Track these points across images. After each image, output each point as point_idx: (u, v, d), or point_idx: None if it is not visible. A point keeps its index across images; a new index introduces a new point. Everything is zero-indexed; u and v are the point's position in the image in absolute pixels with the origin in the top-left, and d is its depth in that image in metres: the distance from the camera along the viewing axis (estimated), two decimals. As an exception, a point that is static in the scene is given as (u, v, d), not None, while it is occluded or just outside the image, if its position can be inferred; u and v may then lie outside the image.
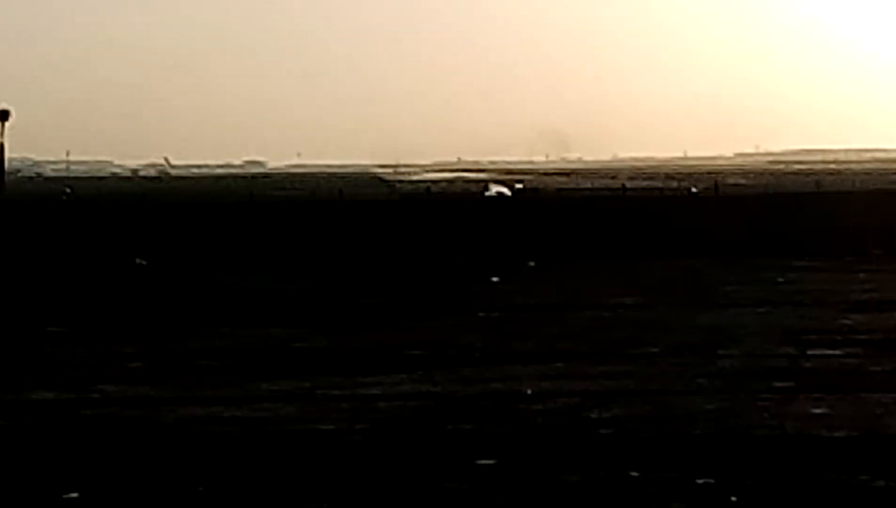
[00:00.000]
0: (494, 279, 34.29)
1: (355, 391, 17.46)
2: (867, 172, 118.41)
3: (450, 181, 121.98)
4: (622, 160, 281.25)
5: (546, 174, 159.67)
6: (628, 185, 76.66)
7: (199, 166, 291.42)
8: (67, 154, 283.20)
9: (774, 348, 20.86)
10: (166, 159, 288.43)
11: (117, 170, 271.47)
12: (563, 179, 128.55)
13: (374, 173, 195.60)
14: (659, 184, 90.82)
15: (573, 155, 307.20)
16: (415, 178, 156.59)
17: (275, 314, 27.41)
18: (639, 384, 17.57)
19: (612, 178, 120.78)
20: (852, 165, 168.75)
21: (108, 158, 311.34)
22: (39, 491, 12.15)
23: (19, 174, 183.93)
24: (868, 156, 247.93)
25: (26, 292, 33.57)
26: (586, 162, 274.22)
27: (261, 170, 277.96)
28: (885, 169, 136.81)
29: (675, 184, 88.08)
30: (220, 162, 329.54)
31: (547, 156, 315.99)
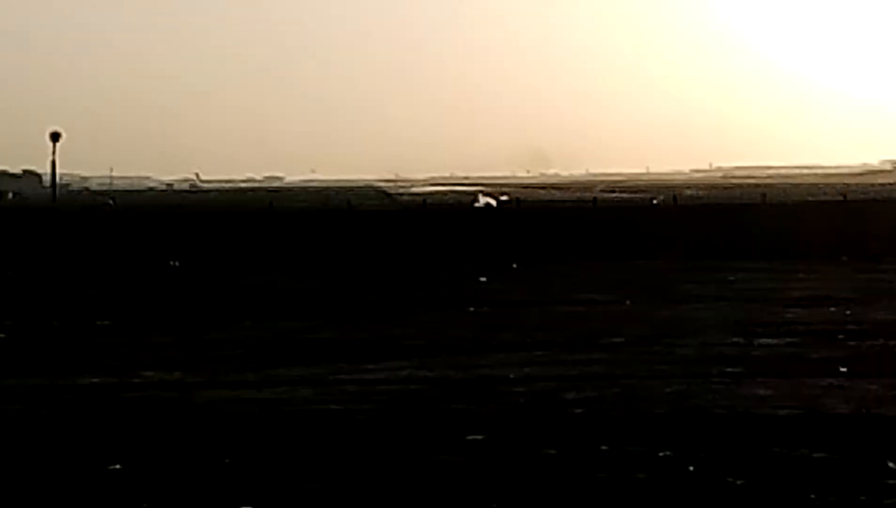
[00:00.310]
0: (482, 279, 34.28)
1: (361, 376, 17.45)
2: (806, 186, 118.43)
3: (443, 193, 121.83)
4: (594, 175, 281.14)
5: (528, 187, 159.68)
6: (599, 197, 76.58)
7: (225, 181, 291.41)
8: (111, 170, 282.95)
9: (726, 338, 20.85)
10: (197, 175, 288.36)
11: (154, 184, 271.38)
12: (542, 191, 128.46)
13: (378, 187, 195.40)
14: (625, 196, 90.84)
15: (551, 171, 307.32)
16: (413, 190, 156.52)
17: (291, 309, 27.40)
18: (607, 369, 17.56)
19: (586, 191, 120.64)
20: (793, 180, 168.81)
21: (147, 174, 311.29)
22: (86, 463, 12.14)
23: (69, 188, 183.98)
24: (806, 171, 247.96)
25: (77, 290, 33.54)
26: (562, 177, 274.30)
27: (279, 184, 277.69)
28: (821, 183, 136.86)
29: (639, 196, 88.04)
30: (244, 177, 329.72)
31: (528, 171, 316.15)
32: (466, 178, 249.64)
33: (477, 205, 70.42)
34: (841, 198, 55.16)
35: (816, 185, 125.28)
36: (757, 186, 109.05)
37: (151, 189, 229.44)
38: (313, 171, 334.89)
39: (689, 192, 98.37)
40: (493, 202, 73.72)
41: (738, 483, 10.93)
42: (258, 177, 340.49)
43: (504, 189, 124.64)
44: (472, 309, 26.52)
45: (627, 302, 27.39)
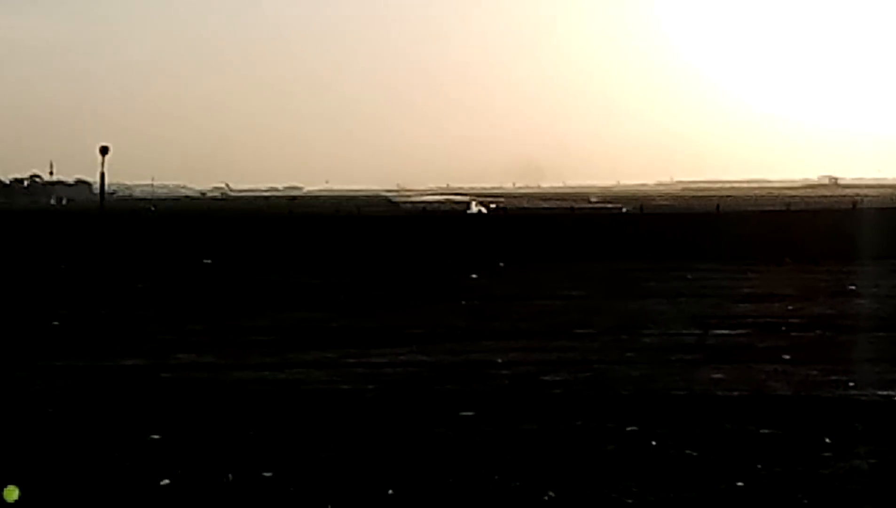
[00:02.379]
0: (474, 276, 34.29)
1: (368, 359, 17.44)
2: (754, 197, 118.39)
3: (441, 202, 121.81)
4: (571, 187, 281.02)
5: (514, 197, 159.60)
6: (575, 205, 76.57)
7: (251, 190, 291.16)
8: (152, 179, 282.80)
9: (685, 329, 20.85)
10: (227, 184, 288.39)
11: (190, 192, 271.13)
12: (525, 200, 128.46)
13: (384, 195, 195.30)
14: (598, 204, 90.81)
15: (534, 182, 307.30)
16: (414, 199, 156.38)
17: (307, 302, 27.40)
18: (582, 355, 17.55)
19: (564, 200, 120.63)
20: (744, 192, 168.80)
21: (183, 183, 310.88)
22: (129, 434, 12.13)
23: (115, 195, 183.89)
24: (755, 185, 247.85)
25: (123, 284, 33.52)
26: (542, 188, 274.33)
27: (298, 193, 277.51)
28: (769, 195, 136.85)
29: (610, 205, 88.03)
30: (267, 186, 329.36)
31: (514, 183, 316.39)
32: (461, 188, 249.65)
33: (469, 212, 70.48)
34: (785, 208, 55.18)
35: (763, 197, 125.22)
36: (712, 197, 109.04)
37: (187, 197, 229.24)
38: (327, 182, 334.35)
39: (654, 202, 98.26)
40: (484, 210, 73.77)
41: (695, 454, 10.93)
42: (280, 187, 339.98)
43: (494, 198, 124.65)
44: (464, 302, 26.51)
45: (600, 297, 27.38)
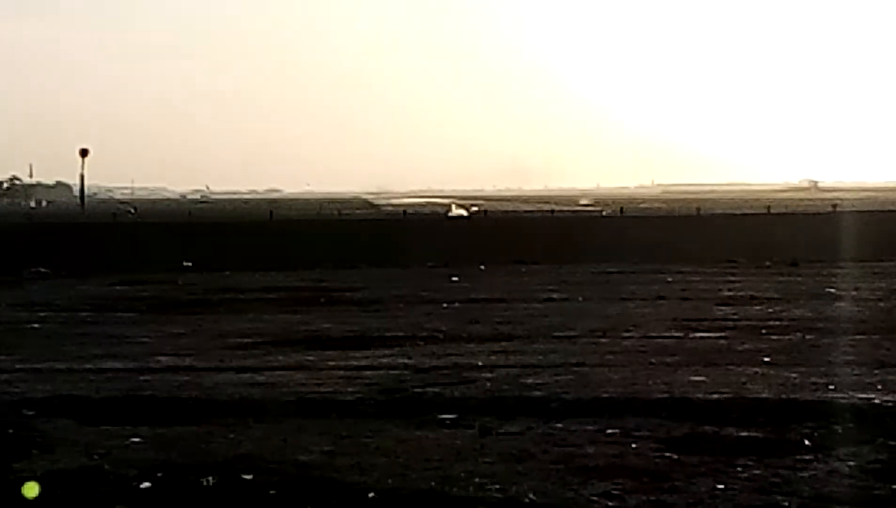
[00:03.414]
0: (454, 279, 34.31)
1: (348, 362, 17.43)
2: (734, 200, 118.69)
3: (422, 204, 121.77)
4: (551, 190, 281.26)
5: (495, 199, 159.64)
6: (555, 208, 76.64)
7: (231, 192, 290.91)
8: (132, 182, 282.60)
9: (665, 331, 20.88)
10: (207, 186, 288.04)
11: (170, 194, 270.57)
12: (507, 203, 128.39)
13: (365, 198, 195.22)
14: (588, 207, 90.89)
15: (517, 185, 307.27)
16: (395, 201, 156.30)
17: (288, 304, 27.37)
18: (563, 358, 17.56)
19: (545, 203, 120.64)
20: (724, 195, 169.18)
21: (163, 185, 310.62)
22: (110, 433, 12.12)
23: (95, 197, 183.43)
24: (736, 188, 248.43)
25: (104, 286, 33.49)
26: (524, 191, 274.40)
27: (278, 195, 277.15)
28: (747, 197, 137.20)
29: (595, 208, 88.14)
30: (248, 189, 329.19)
31: (495, 186, 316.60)
32: (442, 191, 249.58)
33: (450, 215, 70.51)
34: (765, 211, 55.33)
35: (744, 199, 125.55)
36: (692, 200, 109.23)
37: (167, 198, 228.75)
38: (308, 184, 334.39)
39: (633, 204, 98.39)
40: (465, 212, 73.81)
41: (675, 456, 10.95)
42: (260, 189, 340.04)
43: (475, 201, 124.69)
44: (445, 305, 26.52)
45: (580, 300, 27.41)
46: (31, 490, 9.85)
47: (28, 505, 9.63)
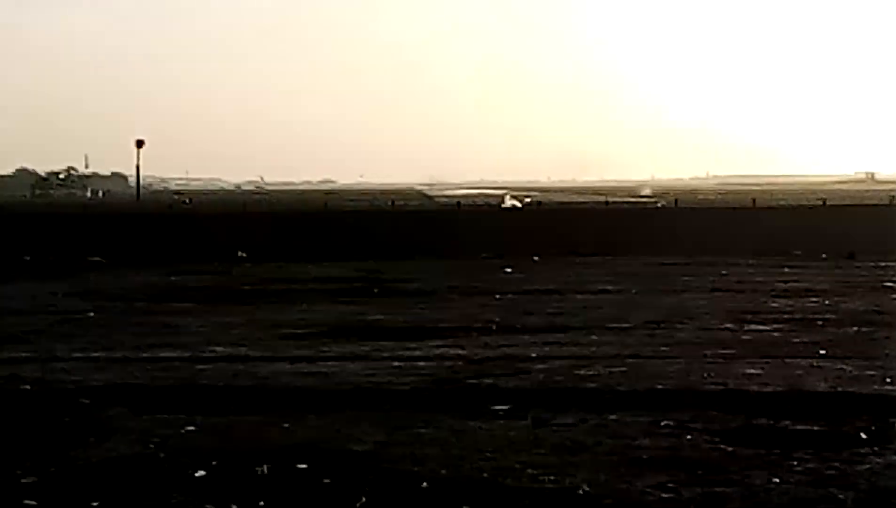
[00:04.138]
0: (508, 270, 34.29)
1: (403, 353, 17.47)
2: (791, 192, 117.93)
3: (475, 195, 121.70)
4: (606, 181, 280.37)
5: (549, 190, 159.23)
6: (610, 199, 76.39)
7: (285, 183, 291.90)
8: (187, 172, 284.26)
9: (720, 323, 20.81)
10: (261, 177, 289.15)
11: (224, 185, 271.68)
12: (561, 194, 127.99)
13: (418, 189, 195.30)
14: (637, 198, 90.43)
15: (574, 176, 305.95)
16: (448, 192, 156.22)
17: (343, 295, 27.44)
18: (617, 349, 17.53)
19: (599, 194, 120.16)
20: (779, 187, 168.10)
21: (218, 176, 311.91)
22: (166, 421, 12.22)
23: (151, 188, 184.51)
24: (791, 180, 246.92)
25: (160, 276, 33.71)
26: (577, 182, 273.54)
27: (332, 187, 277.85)
28: (803, 190, 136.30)
29: (641, 199, 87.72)
30: (301, 180, 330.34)
31: (549, 177, 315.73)
32: (495, 182, 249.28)
33: (504, 205, 70.43)
34: (821, 203, 54.96)
35: (800, 192, 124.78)
36: (747, 192, 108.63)
37: (222, 189, 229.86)
38: (361, 176, 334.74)
39: (688, 196, 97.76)
40: (518, 204, 73.71)
41: (729, 449, 10.91)
42: (314, 180, 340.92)
43: (528, 192, 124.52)
44: (498, 296, 26.51)
45: (634, 292, 27.34)
46: None
47: (84, 493, 9.71)
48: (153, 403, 13.44)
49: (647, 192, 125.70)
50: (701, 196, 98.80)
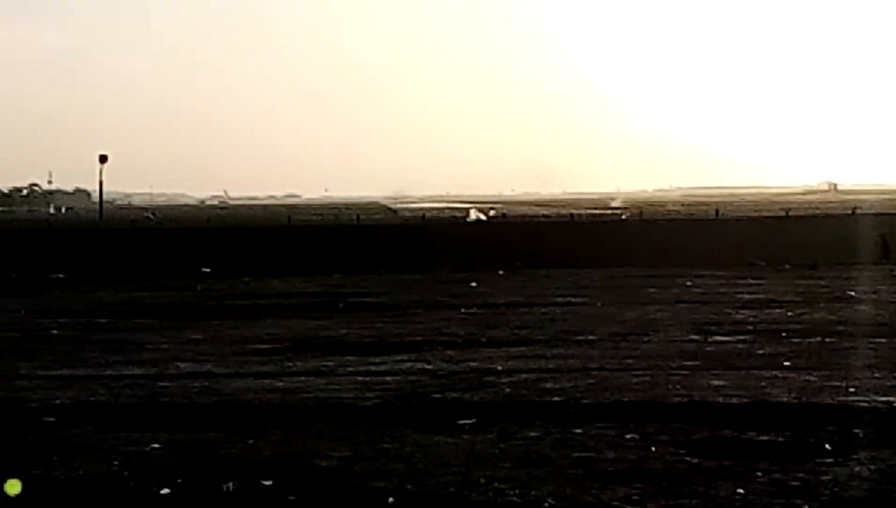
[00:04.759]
0: (473, 284, 34.30)
1: (368, 367, 17.45)
2: (753, 203, 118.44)
3: (440, 209, 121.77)
4: (570, 193, 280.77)
5: (513, 203, 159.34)
6: (578, 211, 76.56)
7: (250, 198, 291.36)
8: (151, 187, 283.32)
9: (685, 335, 20.86)
10: (225, 192, 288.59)
11: (189, 200, 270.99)
12: (525, 208, 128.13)
13: (383, 203, 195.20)
14: (597, 211, 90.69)
15: (539, 188, 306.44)
16: (413, 206, 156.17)
17: (307, 309, 27.39)
18: (582, 362, 17.55)
19: (563, 206, 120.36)
20: (742, 198, 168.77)
21: (182, 191, 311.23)
22: (130, 439, 12.15)
23: (114, 203, 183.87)
24: (754, 191, 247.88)
25: (122, 291, 33.57)
26: (543, 195, 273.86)
27: (297, 201, 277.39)
28: (766, 201, 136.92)
29: (609, 211, 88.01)
30: (266, 194, 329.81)
31: (513, 190, 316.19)
32: (460, 195, 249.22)
33: (469, 219, 70.51)
34: (784, 214, 55.22)
35: (763, 202, 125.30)
36: (710, 203, 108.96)
37: (186, 204, 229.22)
38: (326, 190, 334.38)
39: (652, 208, 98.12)
40: (483, 217, 73.80)
41: (694, 461, 10.94)
42: (278, 194, 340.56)
43: (493, 205, 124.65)
44: (463, 310, 26.51)
45: (599, 304, 27.39)
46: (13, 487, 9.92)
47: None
48: (118, 421, 13.38)
49: (618, 204, 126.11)
50: (672, 208, 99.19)
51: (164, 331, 23.15)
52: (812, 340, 19.96)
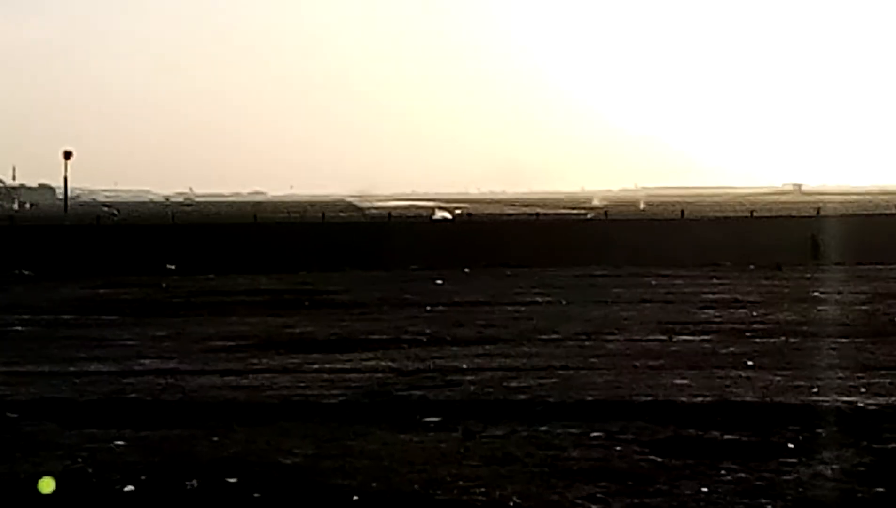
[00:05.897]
0: (439, 282, 34.29)
1: (333, 365, 17.42)
2: (718, 204, 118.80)
3: (406, 207, 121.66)
4: (535, 192, 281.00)
5: (479, 202, 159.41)
6: (553, 211, 76.61)
7: (215, 195, 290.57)
8: (115, 184, 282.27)
9: (649, 335, 20.91)
10: (190, 189, 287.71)
11: (154, 197, 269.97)
12: (492, 206, 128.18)
13: (349, 201, 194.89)
14: (562, 210, 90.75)
15: (498, 188, 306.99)
16: (379, 204, 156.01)
17: (273, 307, 27.34)
18: (547, 361, 17.58)
19: (527, 206, 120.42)
20: (707, 199, 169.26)
21: (147, 188, 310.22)
22: (94, 436, 12.09)
23: (79, 199, 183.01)
24: (719, 192, 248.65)
25: (87, 288, 33.41)
26: (508, 194, 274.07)
27: (262, 198, 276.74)
28: (731, 202, 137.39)
29: (574, 211, 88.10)
30: (231, 191, 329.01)
31: (479, 189, 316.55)
32: (426, 194, 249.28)
33: (434, 218, 70.51)
34: (748, 214, 55.41)
35: (727, 203, 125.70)
36: (676, 203, 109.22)
37: (151, 201, 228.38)
38: (291, 187, 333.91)
39: (617, 208, 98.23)
40: (449, 215, 73.80)
41: (659, 460, 10.97)
42: (244, 192, 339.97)
43: (459, 204, 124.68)
44: (429, 308, 26.51)
45: (564, 303, 27.42)
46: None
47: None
48: (81, 417, 13.32)
49: (596, 203, 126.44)
50: (649, 207, 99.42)
51: (128, 328, 23.06)
52: (776, 340, 20.05)
